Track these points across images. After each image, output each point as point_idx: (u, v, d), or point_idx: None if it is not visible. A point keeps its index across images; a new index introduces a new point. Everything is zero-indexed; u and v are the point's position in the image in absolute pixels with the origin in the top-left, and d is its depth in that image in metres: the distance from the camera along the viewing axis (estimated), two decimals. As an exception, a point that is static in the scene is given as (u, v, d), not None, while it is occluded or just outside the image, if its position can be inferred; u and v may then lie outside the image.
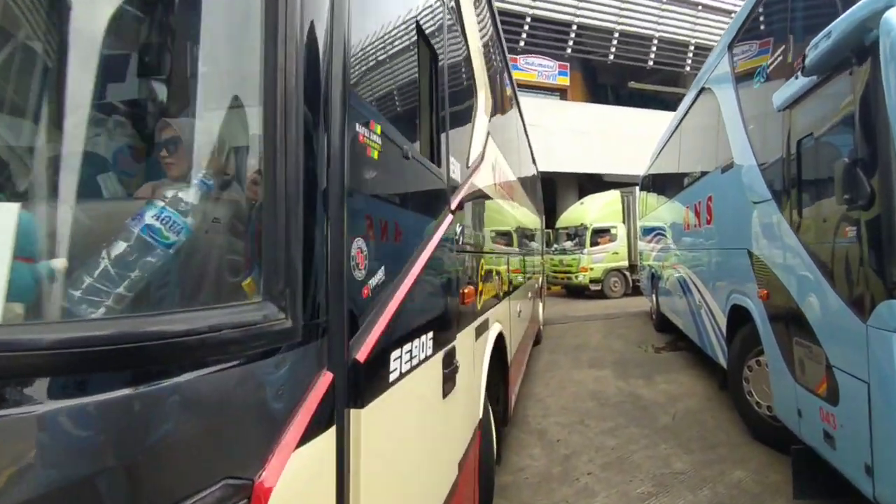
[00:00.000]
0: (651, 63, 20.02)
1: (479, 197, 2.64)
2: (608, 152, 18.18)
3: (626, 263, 15.17)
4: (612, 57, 19.66)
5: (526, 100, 17.80)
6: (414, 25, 1.58)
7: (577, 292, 15.78)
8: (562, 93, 20.47)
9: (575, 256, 15.33)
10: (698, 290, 5.58)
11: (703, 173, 5.29)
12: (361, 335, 1.10)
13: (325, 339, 0.97)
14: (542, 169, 14.45)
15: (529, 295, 6.05)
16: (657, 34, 19.61)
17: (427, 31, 1.71)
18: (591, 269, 15.00)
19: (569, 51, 19.33)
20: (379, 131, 1.23)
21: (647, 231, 10.10)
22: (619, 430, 4.32)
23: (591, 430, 4.33)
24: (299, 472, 0.84)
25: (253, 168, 0.87)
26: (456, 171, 2.10)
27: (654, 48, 19.78)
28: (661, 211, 8.36)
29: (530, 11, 18.08)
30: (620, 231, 15.23)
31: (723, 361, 4.63)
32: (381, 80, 1.31)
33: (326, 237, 0.98)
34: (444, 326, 1.74)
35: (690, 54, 19.86)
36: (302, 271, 0.89)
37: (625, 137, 17.83)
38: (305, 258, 0.90)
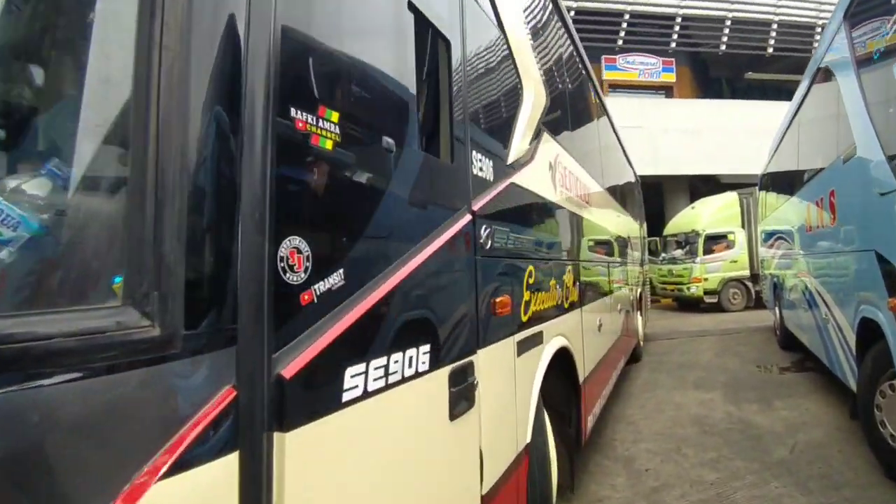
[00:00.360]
0: (771, 50, 18.12)
1: (526, 198, 2.41)
2: (724, 151, 16.60)
3: (746, 273, 13.67)
4: (723, 47, 18.09)
5: (626, 100, 17.06)
6: (406, 6, 1.43)
7: (689, 305, 14.50)
8: (667, 90, 19.19)
9: (686, 266, 14.12)
10: (823, 301, 4.78)
11: (824, 165, 4.55)
12: (295, 347, 0.95)
13: (232, 350, 0.84)
14: (647, 172, 13.61)
15: (619, 307, 5.57)
16: (776, 18, 17.74)
17: (431, 16, 1.55)
18: (705, 279, 13.71)
19: (673, 45, 18.13)
20: (335, 118, 1.09)
21: (768, 235, 8.99)
22: (723, 462, 3.76)
23: (687, 461, 3.81)
24: None
25: (119, 153, 0.77)
26: (485, 169, 1.91)
27: (773, 33, 17.90)
28: (780, 212, 7.39)
29: (628, 8, 17.24)
30: (739, 237, 13.79)
31: (853, 385, 3.89)
32: (346, 64, 1.18)
33: (235, 234, 0.86)
34: (452, 338, 1.55)
35: (818, 37, 17.68)
36: (184, 272, 0.76)
37: (743, 133, 16.17)
38: (191, 257, 0.78)
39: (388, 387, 1.19)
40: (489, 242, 1.88)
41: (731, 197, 14.36)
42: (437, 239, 1.47)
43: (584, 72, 4.44)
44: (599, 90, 5.48)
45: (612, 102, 15.36)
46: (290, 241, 0.96)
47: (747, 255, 13.61)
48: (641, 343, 7.94)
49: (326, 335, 1.02)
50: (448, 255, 1.53)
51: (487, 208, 1.89)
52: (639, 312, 7.85)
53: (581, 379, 3.27)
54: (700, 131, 16.71)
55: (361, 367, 1.11)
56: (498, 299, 1.94)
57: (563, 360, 2.97)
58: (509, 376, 2.05)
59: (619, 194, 6.77)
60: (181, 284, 0.76)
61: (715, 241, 13.86)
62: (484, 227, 1.84)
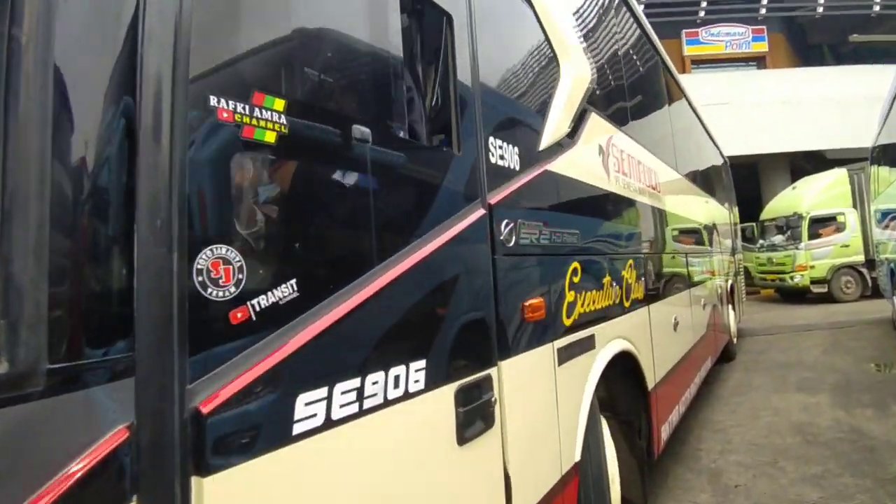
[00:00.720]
0: (877, 9, 15.98)
1: (567, 187, 2.15)
2: (829, 123, 14.86)
3: (861, 258, 12.18)
4: (821, 10, 16.20)
5: (711, 76, 15.76)
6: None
7: (794, 296, 13.16)
8: (759, 61, 17.53)
9: (788, 253, 12.82)
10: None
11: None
12: (222, 374, 0.81)
13: (129, 382, 0.71)
14: (738, 152, 12.53)
15: (703, 301, 5.06)
16: (881, -28, 15.68)
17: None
18: (812, 266, 12.36)
19: (763, 11, 16.48)
20: (280, 106, 0.94)
21: (883, 215, 7.90)
22: (828, 478, 3.25)
23: (785, 476, 3.34)
24: None
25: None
26: (507, 157, 1.70)
27: (877, -10, 15.82)
28: (893, 188, 6.43)
29: (711, -23, 15.95)
30: (850, 218, 12.32)
31: None
32: (297, 42, 1.03)
33: (128, 246, 0.73)
34: (458, 351, 1.35)
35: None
36: (46, 294, 0.64)
37: (852, 103, 14.39)
38: (57, 277, 0.66)
39: (362, 413, 1.03)
40: (513, 239, 1.67)
41: (840, 174, 12.88)
42: (433, 240, 1.28)
43: (647, 45, 4.05)
44: (670, 65, 5.00)
45: (696, 79, 14.39)
46: (212, 250, 0.82)
47: (861, 238, 12.12)
48: (734, 340, 7.26)
49: (270, 357, 0.87)
50: (449, 257, 1.34)
51: (510, 201, 1.67)
52: (730, 306, 7.17)
53: (651, 385, 2.94)
54: (800, 103, 15.07)
55: (322, 391, 0.95)
56: (528, 302, 1.72)
57: (627, 364, 2.69)
58: (548, 388, 1.82)
59: (702, 178, 6.19)
60: (41, 310, 0.64)
61: (822, 223, 12.48)
62: (505, 222, 1.63)
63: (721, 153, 8.36)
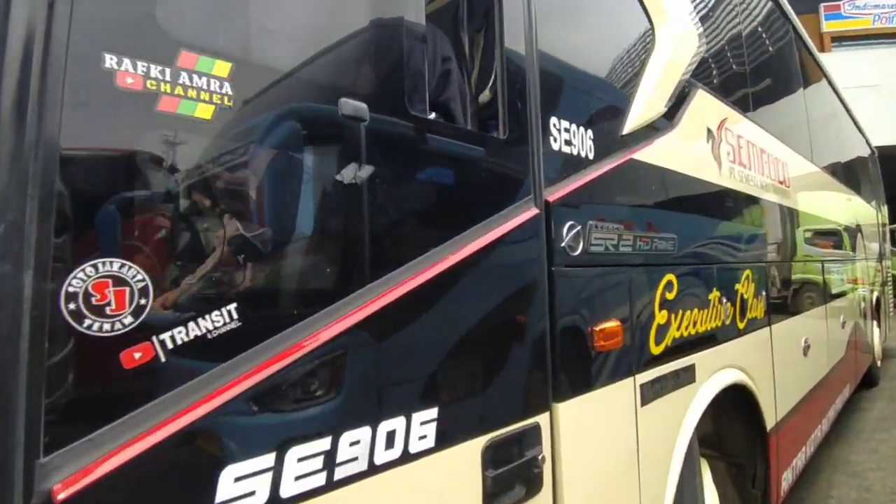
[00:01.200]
0: None
1: (661, 180, 1.74)
2: None
3: None
4: None
5: (854, 55, 13.72)
6: None
7: (956, 310, 11.09)
8: (916, 37, 14.98)
9: (949, 259, 10.81)
10: None
11: None
12: (101, 441, 0.58)
13: None
14: (890, 142, 10.82)
15: (841, 318, 4.25)
16: None
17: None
18: (978, 276, 10.31)
19: (925, -23, 14.02)
20: (225, 72, 0.69)
21: None
22: None
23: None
24: None
25: None
26: (575, 142, 1.35)
27: None
28: None
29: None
30: None
31: None
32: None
33: None
34: (493, 393, 1.04)
35: None
36: None
37: None
38: None
39: (332, 486, 0.76)
40: (580, 246, 1.31)
41: None
42: (455, 249, 0.98)
43: (777, 14, 3.41)
44: (807, 40, 4.24)
45: (836, 59, 12.57)
46: (96, 266, 0.59)
47: None
48: (879, 362, 6.17)
49: (182, 415, 0.63)
50: (481, 270, 1.03)
51: (578, 198, 1.32)
52: (875, 322, 6.09)
53: (770, 424, 2.41)
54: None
55: (264, 460, 0.69)
56: (599, 326, 1.35)
57: (740, 394, 2.20)
58: (625, 436, 1.45)
59: (843, 171, 5.29)
60: None
61: None
62: (569, 224, 1.28)
63: (868, 143, 7.20)
